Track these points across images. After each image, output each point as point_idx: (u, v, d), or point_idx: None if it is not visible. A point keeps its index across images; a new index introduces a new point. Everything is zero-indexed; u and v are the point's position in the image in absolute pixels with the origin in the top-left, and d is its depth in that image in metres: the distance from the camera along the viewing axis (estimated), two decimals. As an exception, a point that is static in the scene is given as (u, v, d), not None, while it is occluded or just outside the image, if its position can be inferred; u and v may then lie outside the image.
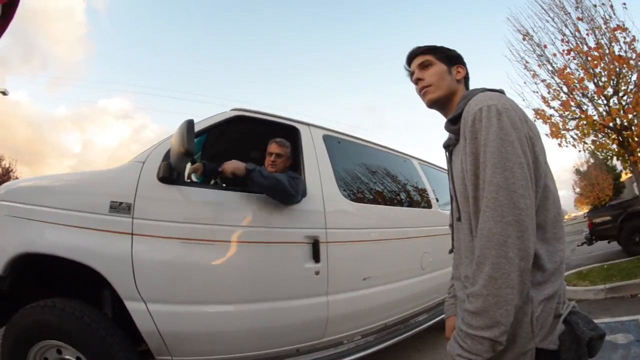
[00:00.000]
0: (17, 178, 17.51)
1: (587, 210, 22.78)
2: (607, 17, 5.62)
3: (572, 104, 5.91)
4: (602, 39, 5.64)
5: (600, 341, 0.79)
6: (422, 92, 1.06)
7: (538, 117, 6.24)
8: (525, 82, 6.52)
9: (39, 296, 1.72)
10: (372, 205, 2.71)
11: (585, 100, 5.93)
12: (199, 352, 1.81)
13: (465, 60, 1.10)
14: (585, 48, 5.72)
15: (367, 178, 2.80)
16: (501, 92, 0.93)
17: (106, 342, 1.58)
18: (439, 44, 1.09)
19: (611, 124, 5.65)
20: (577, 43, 5.83)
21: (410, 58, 1.10)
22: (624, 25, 5.49)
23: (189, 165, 2.43)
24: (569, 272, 5.68)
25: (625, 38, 5.50)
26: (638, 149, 5.67)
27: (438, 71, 1.04)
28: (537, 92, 6.30)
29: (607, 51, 5.52)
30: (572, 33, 5.92)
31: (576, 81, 5.77)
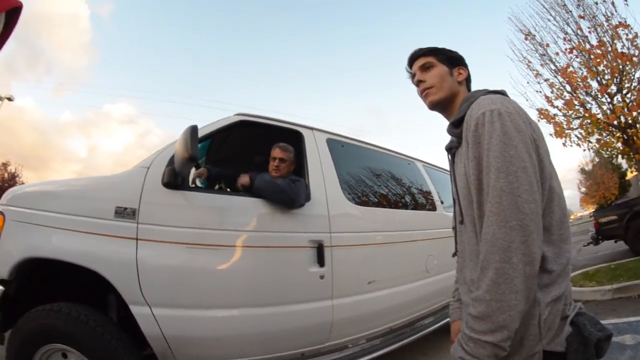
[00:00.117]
0: (23, 183, 17.67)
1: (592, 210, 22.62)
2: (609, 14, 5.61)
3: (576, 102, 5.89)
4: (605, 36, 5.62)
5: (607, 342, 0.79)
6: (424, 94, 1.05)
7: (542, 116, 6.21)
8: (528, 82, 6.51)
9: (45, 300, 1.73)
10: (377, 209, 2.71)
11: (589, 98, 5.91)
12: (204, 356, 1.81)
13: (468, 61, 1.09)
14: (588, 46, 5.71)
15: (371, 181, 2.80)
16: (503, 93, 0.92)
17: (111, 346, 1.58)
18: (440, 46, 1.09)
19: (615, 122, 5.63)
20: (579, 41, 5.82)
21: (412, 60, 1.10)
22: (626, 22, 5.46)
23: (193, 170, 2.44)
24: (576, 272, 5.64)
25: (627, 35, 5.47)
26: (643, 147, 5.64)
27: (439, 73, 1.03)
28: (540, 91, 6.29)
29: (609, 49, 5.50)
30: (574, 31, 5.91)
31: (579, 80, 5.75)
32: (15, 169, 21.29)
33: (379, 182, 2.89)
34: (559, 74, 6.00)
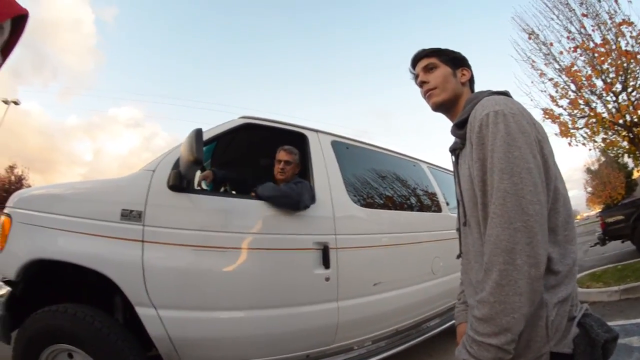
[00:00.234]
0: (29, 186, 17.83)
1: (599, 210, 22.43)
2: (612, 11, 5.57)
3: (581, 101, 5.85)
4: (608, 34, 5.59)
5: (613, 343, 0.78)
6: (427, 95, 1.06)
7: (547, 116, 6.18)
8: (532, 82, 6.49)
9: (51, 301, 1.75)
10: (382, 211, 2.71)
11: (593, 97, 5.87)
12: (209, 357, 1.82)
13: (471, 62, 1.09)
14: (592, 44, 5.67)
15: (376, 183, 2.80)
16: (507, 94, 0.92)
17: (117, 347, 1.60)
18: (443, 47, 1.09)
19: (621, 121, 5.59)
20: (583, 40, 5.78)
21: (415, 61, 1.10)
22: (629, 19, 5.43)
23: (198, 173, 2.45)
24: (582, 273, 5.59)
25: (631, 32, 5.43)
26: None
27: (443, 74, 1.03)
28: (544, 91, 6.26)
29: (613, 47, 5.46)
30: (577, 30, 5.88)
31: (584, 78, 5.71)
32: (22, 172, 21.50)
33: (384, 184, 2.88)
34: (563, 73, 5.97)
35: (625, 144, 5.96)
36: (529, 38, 6.39)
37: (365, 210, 2.50)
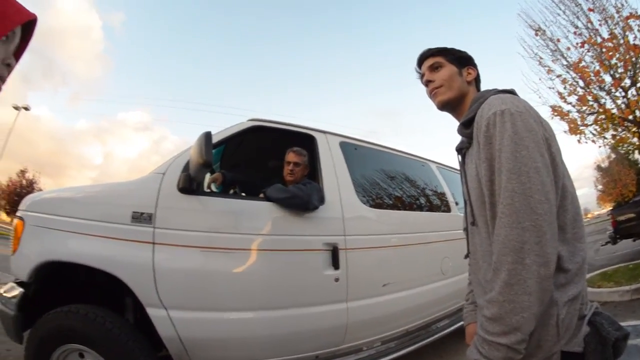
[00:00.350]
0: (40, 190, 18.10)
1: (610, 208, 22.08)
2: (619, 5, 5.50)
3: (590, 98, 5.78)
4: (616, 28, 5.51)
5: (624, 342, 0.78)
6: (433, 93, 1.06)
7: (555, 114, 6.12)
8: (540, 79, 6.44)
9: (62, 302, 1.78)
10: (391, 211, 2.70)
11: (602, 93, 5.80)
12: (219, 357, 1.83)
13: (478, 60, 1.09)
14: (599, 39, 5.60)
15: (385, 183, 2.79)
16: (513, 92, 0.92)
17: (128, 347, 1.62)
18: (449, 46, 1.09)
19: (630, 117, 5.51)
20: (590, 35, 5.72)
21: (421, 60, 1.10)
22: (637, 12, 5.34)
23: (208, 176, 2.48)
24: (593, 273, 5.51)
25: (639, 26, 5.35)
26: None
27: (448, 73, 1.04)
28: (552, 88, 6.20)
29: (621, 41, 5.39)
30: (584, 25, 5.81)
31: (592, 74, 5.64)
32: (33, 176, 21.83)
33: (393, 185, 2.88)
34: (571, 69, 5.91)
35: (635, 140, 5.86)
36: (536, 34, 6.33)
37: (374, 211, 2.50)
